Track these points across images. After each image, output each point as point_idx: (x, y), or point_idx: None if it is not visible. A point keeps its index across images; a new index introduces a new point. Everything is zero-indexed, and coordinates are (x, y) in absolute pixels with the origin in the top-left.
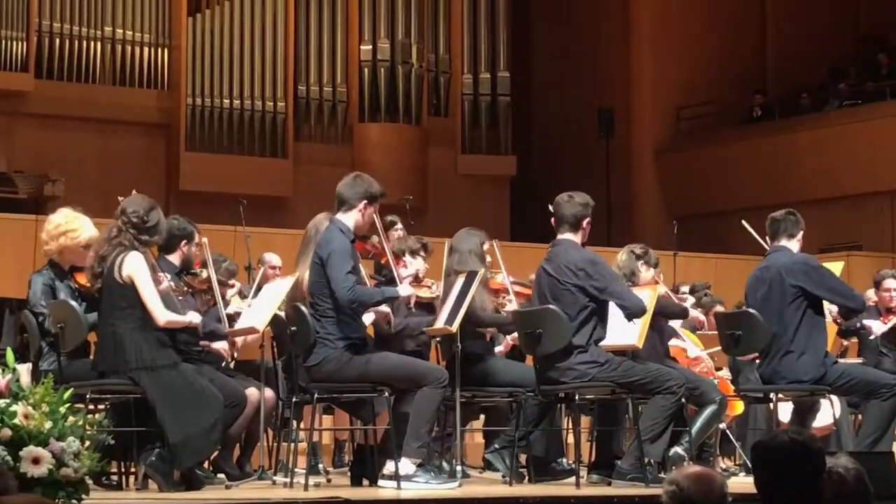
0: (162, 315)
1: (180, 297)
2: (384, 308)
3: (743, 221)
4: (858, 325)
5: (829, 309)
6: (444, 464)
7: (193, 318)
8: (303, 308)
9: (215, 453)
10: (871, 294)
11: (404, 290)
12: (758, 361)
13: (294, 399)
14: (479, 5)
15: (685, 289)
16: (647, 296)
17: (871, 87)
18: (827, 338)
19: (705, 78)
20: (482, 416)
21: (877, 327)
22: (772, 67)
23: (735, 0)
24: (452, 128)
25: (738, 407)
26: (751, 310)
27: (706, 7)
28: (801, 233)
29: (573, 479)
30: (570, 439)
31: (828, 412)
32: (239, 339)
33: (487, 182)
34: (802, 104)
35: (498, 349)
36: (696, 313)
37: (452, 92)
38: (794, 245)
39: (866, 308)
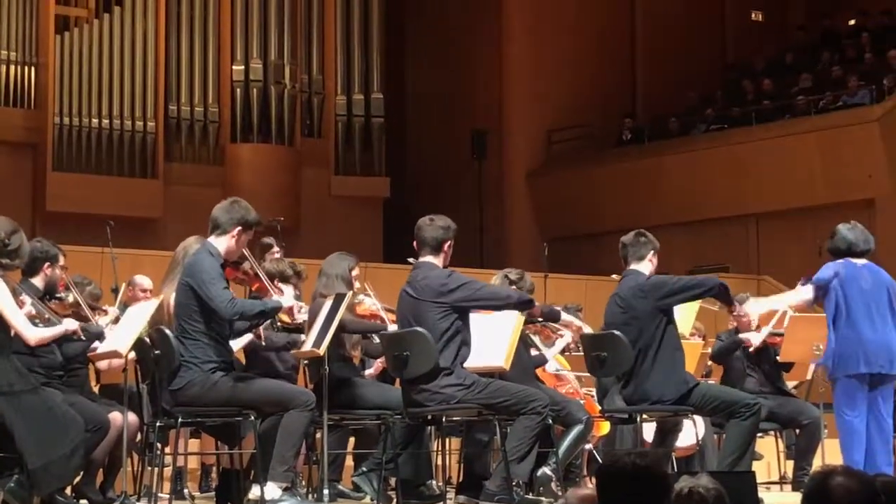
0: (32, 334)
1: (40, 323)
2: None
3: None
4: (736, 339)
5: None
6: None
7: (69, 324)
8: (167, 331)
9: (78, 479)
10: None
11: (287, 299)
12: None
13: (158, 423)
14: (353, 27)
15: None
16: (514, 318)
17: (737, 112)
18: (685, 358)
19: (576, 101)
20: (352, 439)
21: (754, 338)
22: (641, 92)
23: (606, 26)
24: (325, 149)
25: (605, 427)
26: (615, 331)
27: (577, 32)
28: (653, 253)
29: (441, 502)
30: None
31: (691, 432)
32: (103, 363)
33: (361, 204)
34: (671, 128)
35: (368, 372)
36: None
37: (326, 113)
38: (644, 267)
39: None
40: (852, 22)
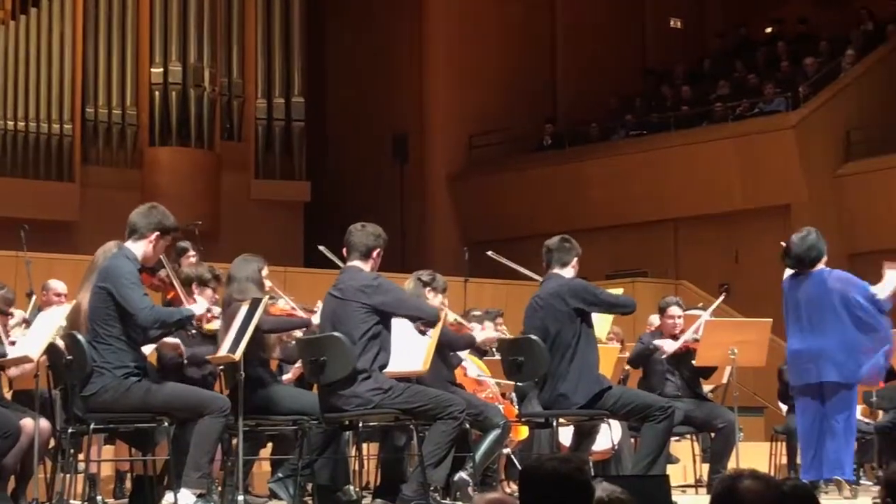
0: None
1: None
2: (173, 339)
3: (489, 253)
4: (651, 345)
5: None
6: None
7: None
8: (79, 336)
9: None
10: (654, 319)
11: (199, 307)
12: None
13: (70, 429)
14: (274, 30)
15: (477, 312)
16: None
17: (657, 118)
18: (598, 360)
19: (498, 106)
20: (269, 445)
21: (668, 346)
22: (562, 97)
23: (527, 31)
24: (246, 152)
25: (523, 431)
26: (532, 336)
27: (499, 37)
28: (576, 259)
29: None
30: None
31: (607, 436)
32: (13, 370)
33: (281, 207)
34: (591, 134)
35: (286, 377)
36: (488, 334)
37: (246, 116)
38: (567, 272)
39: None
40: (769, 30)
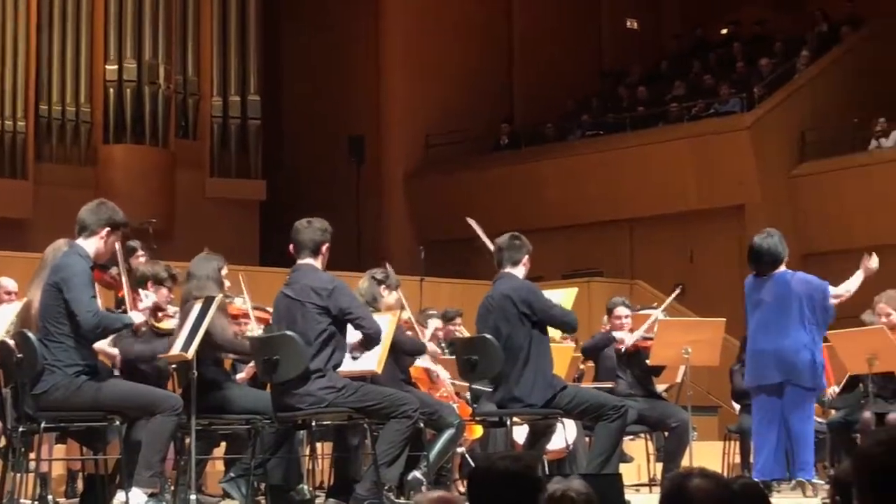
0: None
1: None
2: (112, 349)
3: (469, 220)
4: (609, 335)
5: None
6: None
7: None
8: (29, 334)
9: None
10: (604, 320)
11: (136, 316)
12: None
13: (21, 428)
14: (230, 28)
15: (433, 312)
16: (387, 321)
17: (612, 118)
18: (552, 361)
19: (454, 106)
20: (223, 444)
21: (628, 338)
22: (519, 97)
23: (484, 31)
24: (201, 151)
25: (478, 430)
26: (486, 335)
27: (456, 37)
28: (527, 256)
29: None
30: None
31: (561, 435)
32: None
33: (236, 206)
34: (547, 134)
35: (240, 376)
36: (434, 348)
37: (201, 114)
38: (519, 271)
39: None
40: (725, 31)
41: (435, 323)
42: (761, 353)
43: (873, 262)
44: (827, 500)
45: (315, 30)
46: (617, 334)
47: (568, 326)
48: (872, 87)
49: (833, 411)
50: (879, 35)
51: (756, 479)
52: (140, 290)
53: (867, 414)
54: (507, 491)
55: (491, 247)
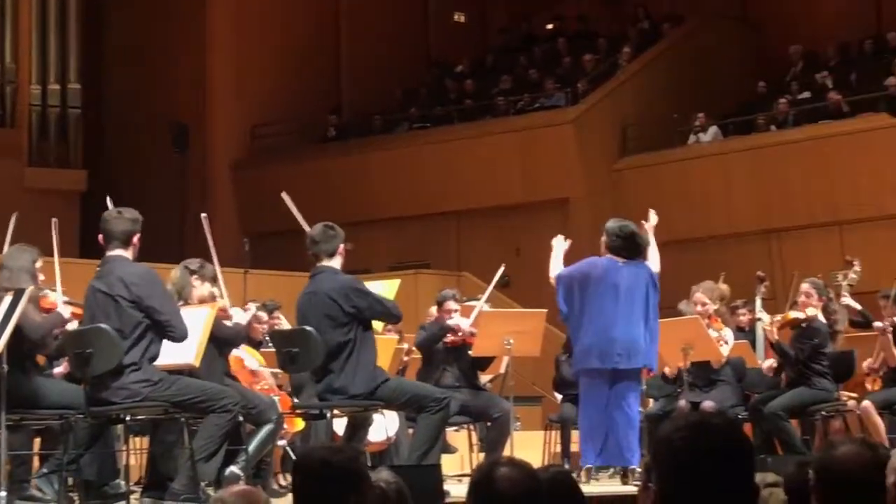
0: None
1: None
2: None
3: (283, 194)
4: (445, 325)
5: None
6: None
7: None
8: None
9: None
10: (433, 311)
11: None
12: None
13: None
14: (49, 14)
15: (251, 305)
16: (205, 314)
17: (440, 111)
18: (376, 354)
19: (282, 96)
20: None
21: (464, 323)
22: (346, 88)
23: (311, 21)
24: (18, 140)
25: (299, 423)
26: (308, 327)
27: (283, 27)
28: (342, 245)
29: (124, 501)
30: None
31: (382, 427)
32: None
33: (56, 197)
34: (375, 126)
35: (58, 370)
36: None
37: (19, 102)
38: (336, 261)
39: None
40: (550, 26)
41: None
42: (612, 341)
43: (652, 219)
44: (639, 484)
45: (141, 16)
46: (452, 322)
47: (392, 318)
48: (692, 84)
49: (651, 401)
50: (699, 32)
51: (585, 466)
52: None
53: (682, 403)
54: (330, 483)
55: (305, 226)
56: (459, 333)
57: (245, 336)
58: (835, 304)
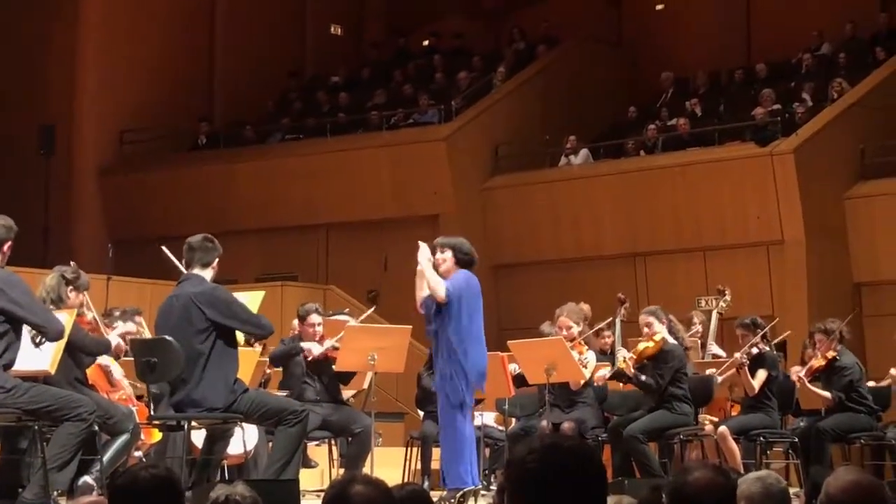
0: None
1: None
2: None
3: (163, 248)
4: (297, 345)
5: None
6: None
7: None
8: None
9: None
10: (295, 324)
11: None
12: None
13: None
14: None
15: (118, 312)
16: (65, 321)
17: (313, 123)
18: (237, 366)
19: (153, 102)
20: None
21: (315, 349)
22: (219, 97)
23: (184, 27)
24: None
25: (157, 434)
26: (167, 337)
27: (156, 32)
28: (217, 260)
29: None
30: None
31: (240, 440)
32: None
33: None
34: (246, 135)
35: None
36: (120, 342)
37: None
38: (207, 273)
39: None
40: (426, 42)
41: (125, 325)
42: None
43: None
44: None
45: (9, 12)
46: (305, 345)
47: (259, 330)
48: (565, 106)
49: (513, 420)
50: (573, 55)
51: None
52: None
53: (544, 423)
54: (149, 498)
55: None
56: (309, 358)
57: (108, 349)
58: (674, 321)
